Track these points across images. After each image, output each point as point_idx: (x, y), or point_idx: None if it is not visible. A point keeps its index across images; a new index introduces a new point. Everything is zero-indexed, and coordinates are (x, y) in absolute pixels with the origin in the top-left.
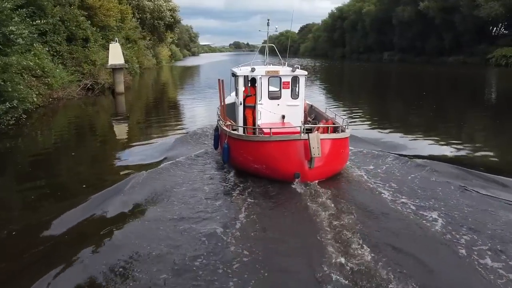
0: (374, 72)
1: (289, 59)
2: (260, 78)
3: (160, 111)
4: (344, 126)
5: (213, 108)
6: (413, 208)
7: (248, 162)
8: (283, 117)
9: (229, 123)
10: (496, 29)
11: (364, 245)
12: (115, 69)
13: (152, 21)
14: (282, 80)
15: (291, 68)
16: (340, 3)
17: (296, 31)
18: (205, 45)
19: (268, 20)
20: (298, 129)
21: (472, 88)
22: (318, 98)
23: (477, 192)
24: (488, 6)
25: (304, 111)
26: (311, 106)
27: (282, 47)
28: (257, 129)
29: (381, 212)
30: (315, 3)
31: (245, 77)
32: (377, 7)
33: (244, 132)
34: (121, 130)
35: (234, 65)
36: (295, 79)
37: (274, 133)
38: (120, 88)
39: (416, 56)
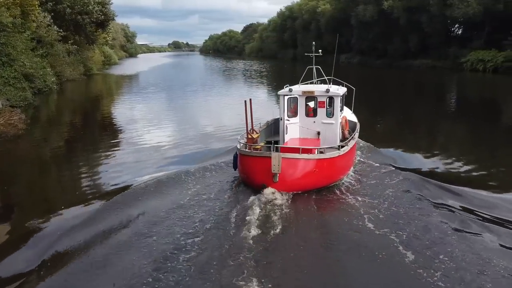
0: (331, 74)
1: (236, 61)
2: (295, 97)
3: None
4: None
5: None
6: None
7: (240, 171)
8: (318, 133)
9: (250, 136)
10: (468, 31)
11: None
12: None
13: (74, 16)
14: (318, 100)
15: (326, 88)
16: (277, 4)
17: (239, 31)
18: (143, 45)
19: (314, 43)
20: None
21: (453, 98)
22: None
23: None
24: (464, 6)
25: (343, 129)
26: (356, 123)
27: (226, 47)
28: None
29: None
30: (252, 3)
31: (284, 96)
32: (334, 6)
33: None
34: None
35: (177, 67)
36: (330, 99)
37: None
38: None
39: (377, 58)
